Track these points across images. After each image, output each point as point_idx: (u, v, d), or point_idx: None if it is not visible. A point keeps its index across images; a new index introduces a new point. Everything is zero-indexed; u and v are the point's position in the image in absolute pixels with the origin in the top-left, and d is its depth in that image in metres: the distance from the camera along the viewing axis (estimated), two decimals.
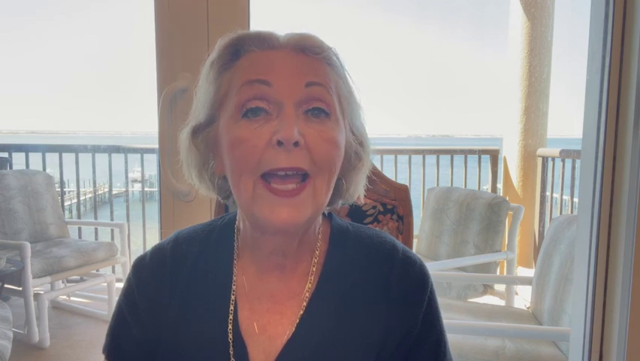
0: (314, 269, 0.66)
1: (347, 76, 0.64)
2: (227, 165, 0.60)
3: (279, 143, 0.55)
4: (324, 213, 0.71)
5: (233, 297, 0.65)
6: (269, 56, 0.60)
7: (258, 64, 0.59)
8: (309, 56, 0.60)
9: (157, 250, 0.70)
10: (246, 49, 0.61)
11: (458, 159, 3.85)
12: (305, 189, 0.57)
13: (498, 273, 3.06)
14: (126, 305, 0.68)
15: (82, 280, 3.08)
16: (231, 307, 0.64)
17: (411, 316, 0.65)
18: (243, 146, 0.57)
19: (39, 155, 3.50)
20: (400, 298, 0.65)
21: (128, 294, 0.68)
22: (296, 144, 0.55)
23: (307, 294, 0.65)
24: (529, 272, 3.16)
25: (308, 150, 0.57)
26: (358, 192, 0.68)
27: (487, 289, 2.73)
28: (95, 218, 3.96)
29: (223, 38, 0.63)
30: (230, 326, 0.63)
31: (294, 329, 0.63)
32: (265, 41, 0.60)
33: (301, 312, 0.64)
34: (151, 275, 0.68)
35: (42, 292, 2.64)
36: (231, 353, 0.62)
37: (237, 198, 0.60)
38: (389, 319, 0.64)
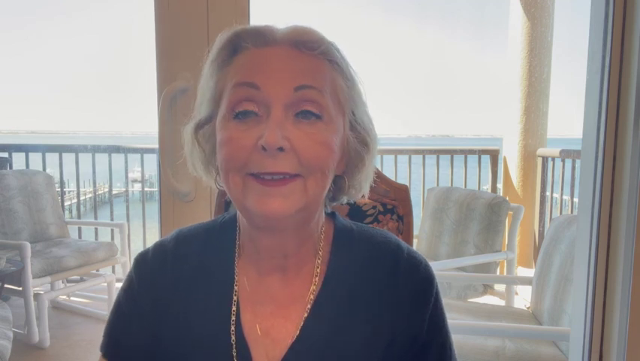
0: (318, 270, 0.65)
1: (349, 71, 0.63)
2: (218, 162, 0.60)
3: (264, 148, 0.55)
4: (327, 213, 0.70)
5: (235, 298, 0.64)
6: (262, 56, 0.59)
7: (250, 64, 0.59)
8: (304, 53, 0.59)
9: (159, 247, 0.69)
10: (243, 45, 0.60)
11: (458, 159, 3.85)
12: (295, 180, 0.57)
13: (498, 273, 3.06)
14: (126, 301, 0.67)
15: (82, 280, 3.08)
16: (233, 308, 0.63)
17: (418, 317, 0.64)
18: (230, 145, 0.57)
19: (39, 155, 3.50)
20: (406, 299, 0.64)
21: (128, 290, 0.67)
22: (280, 149, 0.55)
23: (312, 296, 0.63)
24: (529, 272, 3.16)
25: (295, 153, 0.56)
26: (363, 190, 0.67)
27: (487, 289, 2.73)
28: (95, 218, 3.96)
29: (222, 33, 0.62)
30: (232, 328, 0.62)
31: (298, 332, 0.62)
32: (261, 37, 0.59)
33: (305, 315, 0.62)
34: (153, 272, 0.67)
35: (42, 292, 2.64)
36: (234, 354, 0.61)
37: (229, 193, 0.60)
38: (395, 321, 0.63)
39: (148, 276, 0.67)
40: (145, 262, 0.68)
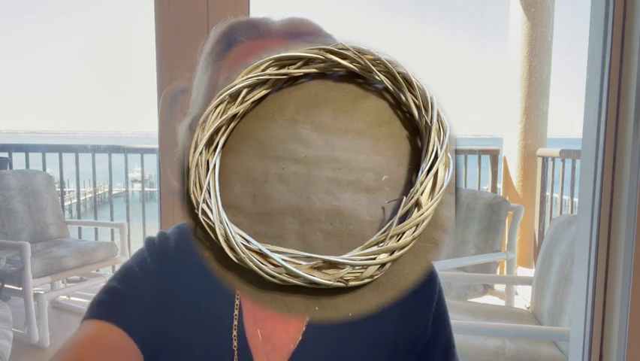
0: None
1: None
2: None
3: None
4: None
5: (237, 302, 0.62)
6: (255, 49, 0.56)
7: (242, 58, 0.56)
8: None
9: (163, 240, 0.66)
10: (237, 39, 0.58)
11: (458, 159, 3.82)
12: None
13: (498, 273, 3.06)
14: (138, 270, 0.62)
15: (82, 280, 3.08)
16: (236, 312, 0.61)
17: (422, 316, 0.63)
18: None
19: (39, 155, 3.50)
20: (410, 298, 0.61)
21: (142, 264, 0.62)
22: None
23: None
24: (529, 272, 3.16)
25: None
26: None
27: (487, 289, 2.73)
28: (95, 218, 3.96)
29: (217, 27, 0.60)
30: (234, 333, 0.60)
31: (300, 337, 0.60)
32: (255, 29, 0.58)
33: (307, 319, 0.60)
34: (159, 261, 0.63)
35: (42, 292, 2.64)
36: None
37: None
38: (399, 321, 0.62)
39: (156, 264, 0.63)
40: (154, 249, 0.65)
